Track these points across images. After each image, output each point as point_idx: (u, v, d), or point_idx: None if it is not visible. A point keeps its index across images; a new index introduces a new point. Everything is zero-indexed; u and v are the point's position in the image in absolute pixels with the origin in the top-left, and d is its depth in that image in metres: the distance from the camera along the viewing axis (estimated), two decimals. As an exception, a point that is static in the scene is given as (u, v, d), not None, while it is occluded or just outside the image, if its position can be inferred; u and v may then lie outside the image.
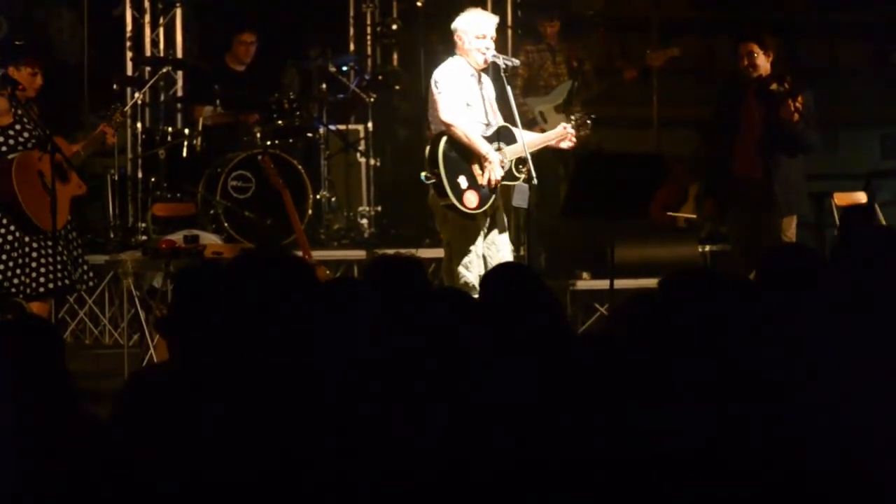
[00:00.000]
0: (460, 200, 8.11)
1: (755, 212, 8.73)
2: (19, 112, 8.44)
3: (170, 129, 11.04)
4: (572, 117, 8.70)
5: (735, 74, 8.92)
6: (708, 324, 4.18)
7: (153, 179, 10.78)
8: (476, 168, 8.18)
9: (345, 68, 11.66)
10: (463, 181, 8.15)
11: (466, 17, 8.36)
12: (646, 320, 4.19)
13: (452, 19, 8.40)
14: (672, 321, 4.15)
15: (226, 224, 10.25)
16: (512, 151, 8.19)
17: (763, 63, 8.69)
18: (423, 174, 8.22)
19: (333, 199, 11.27)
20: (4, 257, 8.34)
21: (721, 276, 4.56)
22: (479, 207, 8.17)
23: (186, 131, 10.85)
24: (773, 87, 8.63)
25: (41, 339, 3.87)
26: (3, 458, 3.61)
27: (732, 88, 8.93)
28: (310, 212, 10.48)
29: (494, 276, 5.09)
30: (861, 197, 10.45)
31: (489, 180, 8.15)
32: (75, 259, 8.57)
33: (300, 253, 8.73)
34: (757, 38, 8.73)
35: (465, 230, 8.22)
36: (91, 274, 8.78)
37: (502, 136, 8.26)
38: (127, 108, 10.50)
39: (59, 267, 8.32)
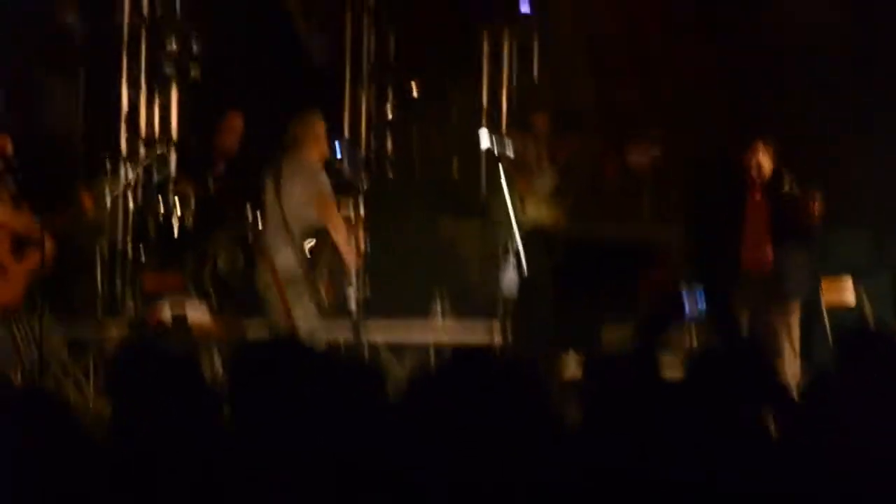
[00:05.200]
0: None
1: (764, 298, 8.71)
2: None
3: (161, 206, 11.06)
4: None
5: (728, 167, 8.92)
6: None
7: (143, 256, 10.82)
8: None
9: (339, 155, 11.71)
10: None
11: None
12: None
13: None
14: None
15: (214, 296, 10.30)
16: None
17: (768, 164, 8.70)
18: None
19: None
20: None
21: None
22: None
23: (178, 208, 10.88)
24: (786, 188, 8.60)
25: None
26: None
27: (731, 183, 8.88)
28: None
29: None
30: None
31: None
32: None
33: None
34: (765, 140, 8.71)
35: None
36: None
37: None
38: (121, 187, 10.54)
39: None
